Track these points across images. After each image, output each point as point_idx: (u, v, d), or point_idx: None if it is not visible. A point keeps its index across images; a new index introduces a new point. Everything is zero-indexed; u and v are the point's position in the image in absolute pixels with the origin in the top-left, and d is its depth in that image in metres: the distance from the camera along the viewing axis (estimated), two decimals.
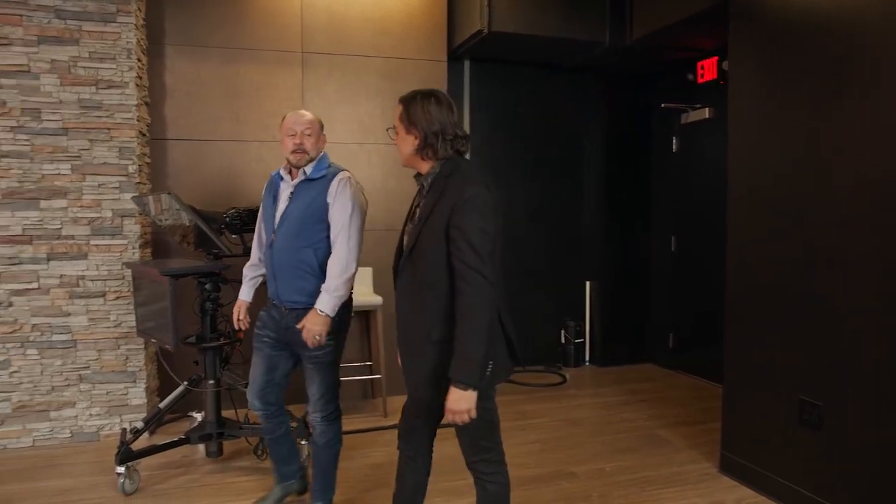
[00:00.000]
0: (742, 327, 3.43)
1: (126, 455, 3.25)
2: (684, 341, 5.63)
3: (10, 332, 3.81)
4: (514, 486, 2.24)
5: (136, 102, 3.91)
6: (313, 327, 2.61)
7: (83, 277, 3.89)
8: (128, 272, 3.90)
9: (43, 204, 3.80)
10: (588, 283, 5.97)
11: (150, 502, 3.21)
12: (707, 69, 5.12)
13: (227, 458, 3.73)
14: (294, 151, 2.73)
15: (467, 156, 2.27)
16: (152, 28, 4.23)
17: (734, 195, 3.46)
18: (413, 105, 2.13)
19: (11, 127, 3.73)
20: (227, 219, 3.47)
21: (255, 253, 3.04)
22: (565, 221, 5.88)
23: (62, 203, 3.83)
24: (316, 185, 2.74)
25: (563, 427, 4.30)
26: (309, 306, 2.67)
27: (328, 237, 2.73)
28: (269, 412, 2.92)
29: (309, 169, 2.76)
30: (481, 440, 2.19)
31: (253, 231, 3.58)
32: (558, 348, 5.87)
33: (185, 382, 3.50)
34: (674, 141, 5.67)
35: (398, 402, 4.62)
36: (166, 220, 3.56)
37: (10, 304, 3.80)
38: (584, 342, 5.94)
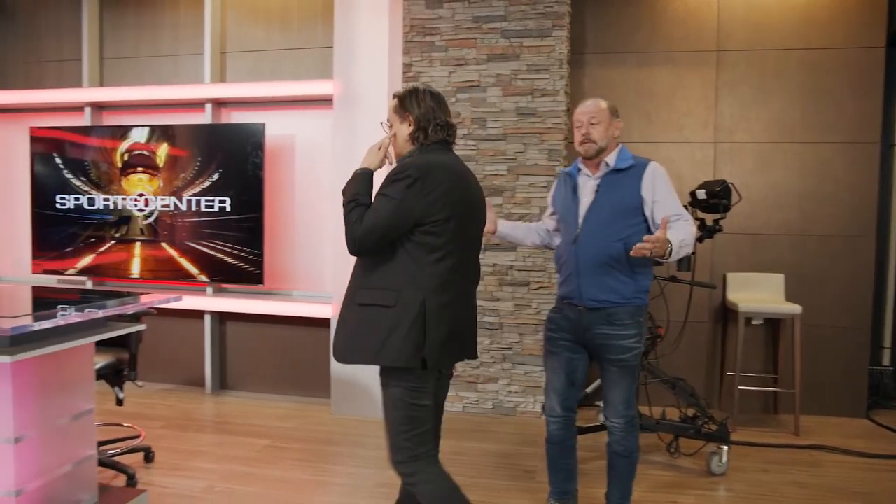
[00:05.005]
0: None
1: None
2: None
3: None
4: None
5: (565, 108, 4.24)
6: (654, 244, 2.31)
7: (511, 267, 4.35)
8: (550, 265, 4.25)
9: None
10: None
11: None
12: None
13: (641, 449, 3.81)
14: (582, 143, 2.62)
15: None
16: (575, 39, 4.55)
17: None
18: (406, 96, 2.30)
19: (463, 134, 4.35)
20: None
21: (545, 225, 2.96)
22: None
23: (498, 200, 4.34)
24: (626, 176, 2.59)
25: None
26: (613, 305, 2.56)
27: (641, 231, 2.54)
28: (569, 419, 2.81)
29: (612, 160, 2.62)
30: (402, 437, 2.16)
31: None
32: None
33: None
34: None
35: (811, 421, 4.33)
36: None
37: None
38: None
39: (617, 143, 2.67)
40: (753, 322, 4.37)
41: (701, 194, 3.74)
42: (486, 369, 4.42)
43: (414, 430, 2.17)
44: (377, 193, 2.16)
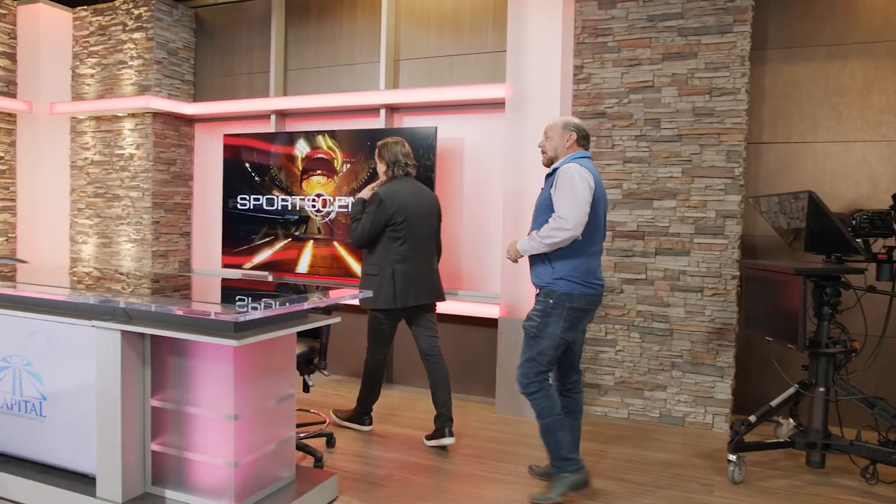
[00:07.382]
0: None
1: (739, 445, 3.39)
2: None
3: (619, 316, 4.36)
4: None
5: (745, 107, 4.04)
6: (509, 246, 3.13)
7: (684, 272, 4.20)
8: (726, 270, 4.08)
9: (655, 204, 4.24)
10: None
11: (758, 497, 3.26)
12: None
13: (829, 472, 3.56)
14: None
15: None
16: (755, 34, 4.31)
17: None
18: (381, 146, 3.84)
19: (635, 136, 4.27)
20: (855, 222, 3.31)
21: None
22: None
23: (671, 203, 4.21)
24: (549, 179, 3.06)
25: None
26: (538, 287, 3.08)
27: None
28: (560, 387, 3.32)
29: (555, 165, 3.09)
30: (371, 341, 3.90)
31: (880, 236, 3.36)
32: None
33: (797, 385, 3.47)
34: None
35: None
36: (786, 220, 3.57)
37: (622, 291, 4.35)
38: None
39: (574, 151, 3.07)
40: None
41: None
42: (654, 377, 4.30)
43: (376, 338, 3.87)
44: (364, 212, 3.68)
